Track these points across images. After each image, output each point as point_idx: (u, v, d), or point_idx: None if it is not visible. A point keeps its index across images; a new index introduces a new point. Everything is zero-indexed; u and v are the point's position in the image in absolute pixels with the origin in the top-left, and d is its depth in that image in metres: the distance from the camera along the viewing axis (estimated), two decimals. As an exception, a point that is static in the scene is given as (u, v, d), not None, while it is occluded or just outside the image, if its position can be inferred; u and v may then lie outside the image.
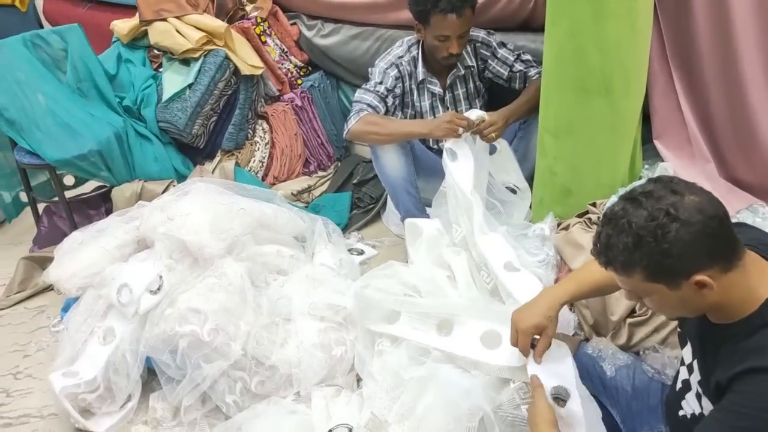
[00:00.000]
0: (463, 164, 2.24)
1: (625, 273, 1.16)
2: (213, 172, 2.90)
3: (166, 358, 1.93)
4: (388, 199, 2.78)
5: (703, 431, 1.14)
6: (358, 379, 1.95)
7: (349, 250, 2.60)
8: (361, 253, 2.66)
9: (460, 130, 2.27)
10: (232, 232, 2.12)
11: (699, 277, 1.10)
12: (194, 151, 3.01)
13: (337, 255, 2.38)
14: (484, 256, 1.99)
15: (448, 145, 2.28)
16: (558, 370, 1.48)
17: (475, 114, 2.34)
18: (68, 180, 2.98)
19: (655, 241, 1.09)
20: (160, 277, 2.04)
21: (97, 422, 1.97)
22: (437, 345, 1.79)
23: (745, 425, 1.08)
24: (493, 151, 2.46)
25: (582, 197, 2.13)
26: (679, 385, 1.43)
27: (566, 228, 2.09)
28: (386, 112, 2.51)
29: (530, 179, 2.38)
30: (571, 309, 1.96)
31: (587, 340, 1.88)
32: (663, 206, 1.09)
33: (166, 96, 2.86)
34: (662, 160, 2.20)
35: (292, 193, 2.97)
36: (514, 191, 2.50)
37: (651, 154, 2.24)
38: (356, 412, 1.76)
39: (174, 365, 1.93)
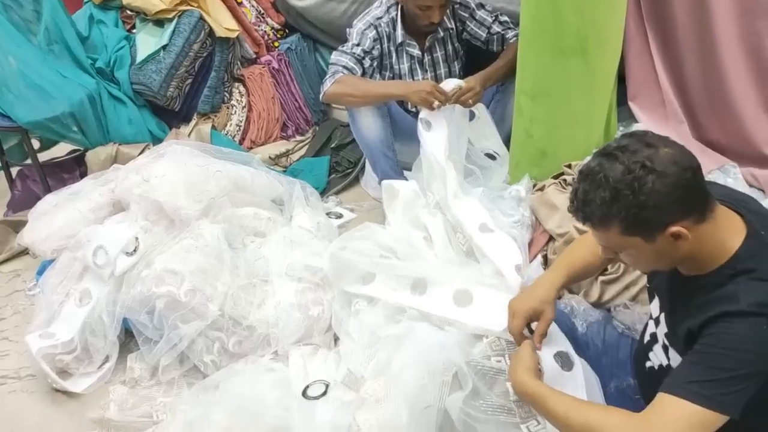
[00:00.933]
0: (437, 134, 2.25)
1: (603, 227, 1.18)
2: (189, 135, 2.88)
3: (143, 318, 1.94)
4: (367, 163, 2.78)
5: (678, 374, 1.16)
6: (335, 338, 1.98)
7: (327, 214, 2.61)
8: (340, 216, 2.66)
9: (436, 103, 2.27)
10: (209, 193, 2.12)
11: (674, 229, 1.12)
12: (169, 114, 2.97)
13: (315, 218, 2.38)
14: (458, 220, 2.01)
15: (422, 115, 2.29)
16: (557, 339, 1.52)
17: (452, 84, 2.34)
18: (34, 143, 2.92)
19: (632, 194, 1.10)
20: (136, 238, 2.04)
21: (75, 383, 1.98)
22: (412, 304, 1.82)
23: (718, 365, 1.10)
24: (472, 117, 2.46)
25: (557, 159, 2.14)
26: (646, 338, 1.47)
27: (541, 189, 2.11)
28: (363, 74, 2.49)
29: (507, 142, 2.40)
30: (544, 268, 1.99)
31: (560, 297, 1.92)
32: (639, 159, 1.11)
33: (139, 58, 2.82)
34: (637, 122, 2.22)
35: (269, 157, 2.96)
36: (493, 157, 2.52)
37: (626, 116, 2.27)
38: (333, 369, 1.78)
39: (151, 326, 1.94)
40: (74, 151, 2.85)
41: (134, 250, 2.03)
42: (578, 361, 1.51)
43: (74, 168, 2.87)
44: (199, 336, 1.93)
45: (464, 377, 1.55)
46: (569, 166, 2.11)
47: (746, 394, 1.10)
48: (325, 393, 1.68)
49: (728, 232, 1.18)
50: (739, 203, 1.24)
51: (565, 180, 2.08)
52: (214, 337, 1.95)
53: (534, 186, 2.16)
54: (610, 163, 1.13)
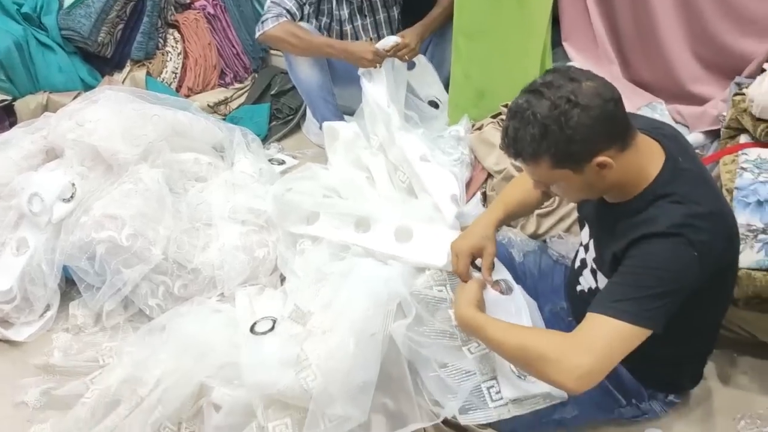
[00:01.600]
0: (378, 85, 2.27)
1: (534, 162, 1.23)
2: (123, 82, 2.80)
3: (84, 265, 1.91)
4: (308, 109, 2.77)
5: (605, 295, 1.24)
6: (282, 279, 2.00)
7: (270, 161, 2.59)
8: (282, 163, 2.65)
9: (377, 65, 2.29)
10: (146, 138, 2.08)
11: (600, 159, 1.18)
12: (102, 61, 2.89)
13: (257, 164, 2.37)
14: (402, 149, 2.03)
15: (362, 70, 2.30)
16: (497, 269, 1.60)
17: (390, 42, 2.33)
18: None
19: (559, 129, 1.15)
20: (73, 184, 2.00)
21: (16, 332, 1.96)
22: (356, 241, 1.85)
23: (641, 284, 1.18)
24: (411, 66, 2.48)
25: (495, 99, 2.19)
26: (577, 263, 1.55)
27: (480, 128, 2.16)
28: (301, 20, 2.47)
29: (447, 85, 2.42)
30: (484, 205, 2.05)
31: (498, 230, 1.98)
32: (564, 94, 1.15)
33: (67, 2, 2.73)
34: (570, 62, 2.28)
35: (208, 105, 2.91)
36: (436, 105, 2.54)
37: (560, 57, 2.32)
38: (280, 306, 1.81)
39: (93, 272, 1.92)
40: (2, 101, 2.74)
41: (71, 197, 1.99)
42: (517, 287, 1.59)
43: (3, 118, 2.75)
44: (143, 280, 1.92)
45: (408, 306, 1.60)
46: (506, 106, 2.16)
47: (668, 310, 1.19)
48: (272, 328, 1.71)
49: (648, 159, 1.25)
50: (657, 131, 1.32)
51: (502, 119, 2.13)
52: (159, 281, 1.94)
53: (473, 126, 2.21)
54: (536, 99, 1.17)
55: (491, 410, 1.44)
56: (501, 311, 1.48)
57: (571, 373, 1.16)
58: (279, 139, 2.85)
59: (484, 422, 1.45)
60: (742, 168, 1.67)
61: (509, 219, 1.65)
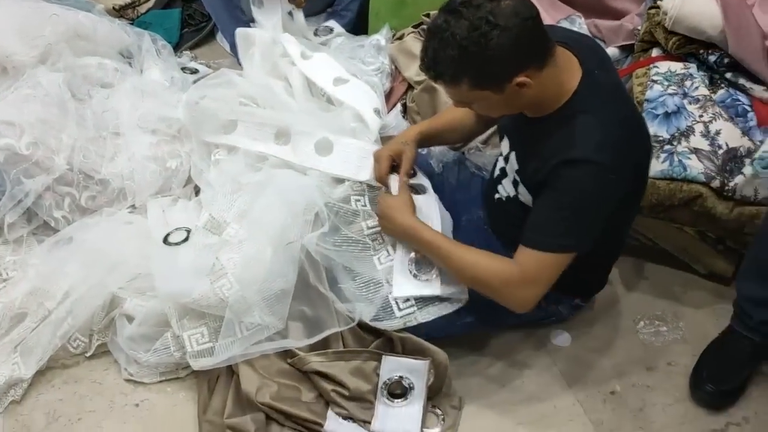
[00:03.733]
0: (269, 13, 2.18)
1: (454, 84, 1.22)
2: (17, -20, 2.56)
3: (-21, 175, 1.79)
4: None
5: (536, 227, 1.28)
6: (196, 192, 1.93)
7: (182, 69, 2.46)
8: (195, 71, 2.51)
9: None
10: (45, 39, 1.93)
11: (520, 79, 1.18)
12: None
13: (168, 72, 2.24)
14: (311, 80, 1.97)
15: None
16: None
17: None
18: None
19: (479, 51, 1.14)
20: (-38, 89, 1.84)
21: None
22: (275, 153, 1.80)
23: (566, 214, 1.24)
24: None
25: (416, 8, 2.15)
26: (496, 172, 1.57)
27: (400, 38, 2.11)
28: None
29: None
30: (404, 117, 2.04)
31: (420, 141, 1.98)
32: (482, 14, 1.13)
33: None
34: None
35: (114, 8, 2.70)
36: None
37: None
38: (194, 217, 1.76)
39: (-10, 182, 1.80)
40: None
41: (-39, 103, 1.83)
42: (434, 195, 1.61)
43: None
44: (46, 191, 1.81)
45: (324, 216, 1.59)
46: (428, 16, 2.12)
47: (595, 230, 1.27)
48: (186, 239, 1.67)
49: (567, 74, 1.26)
50: (575, 42, 1.32)
51: (424, 29, 2.09)
52: (64, 193, 1.84)
53: (393, 35, 2.16)
54: (455, 20, 1.15)
55: (397, 319, 1.48)
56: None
57: (519, 303, 1.33)
58: (191, 48, 2.70)
59: (391, 329, 1.49)
60: (653, 81, 1.71)
61: (435, 137, 1.65)
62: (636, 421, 1.52)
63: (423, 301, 1.48)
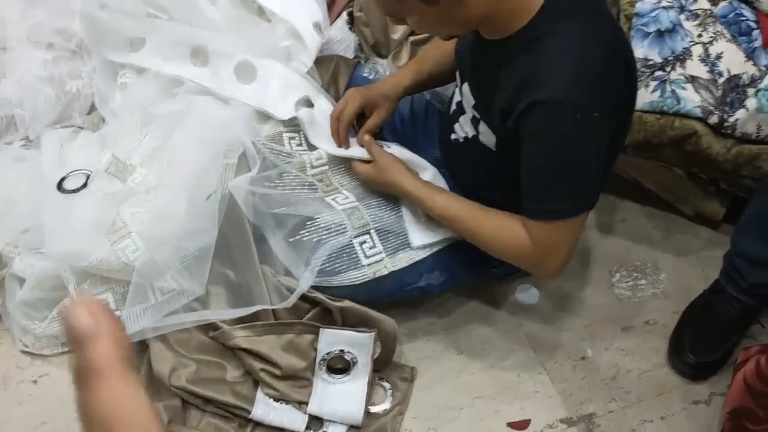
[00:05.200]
0: None
1: None
2: None
3: None
4: None
5: (533, 196, 1.07)
6: (102, 120, 1.62)
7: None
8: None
9: None
10: None
11: None
12: None
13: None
14: None
15: None
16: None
17: None
18: None
19: None
20: None
21: None
22: (191, 76, 1.49)
23: (559, 173, 1.03)
24: None
25: None
26: (453, 107, 1.31)
27: (346, -69, 1.76)
28: None
29: None
30: (350, 29, 1.73)
31: (367, 60, 1.69)
32: None
33: None
34: None
35: None
36: None
37: None
38: (96, 155, 1.46)
39: None
40: None
41: None
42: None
43: None
44: None
45: (253, 158, 1.33)
46: None
47: (598, 181, 1.08)
48: (85, 185, 1.39)
49: None
50: None
51: None
52: (-62, 123, 1.53)
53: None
54: None
55: (365, 268, 1.27)
56: None
57: (545, 274, 1.19)
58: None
59: (359, 282, 1.27)
60: (645, -11, 1.43)
61: (423, 83, 1.38)
62: (609, 391, 1.34)
63: (388, 247, 1.29)
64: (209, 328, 1.28)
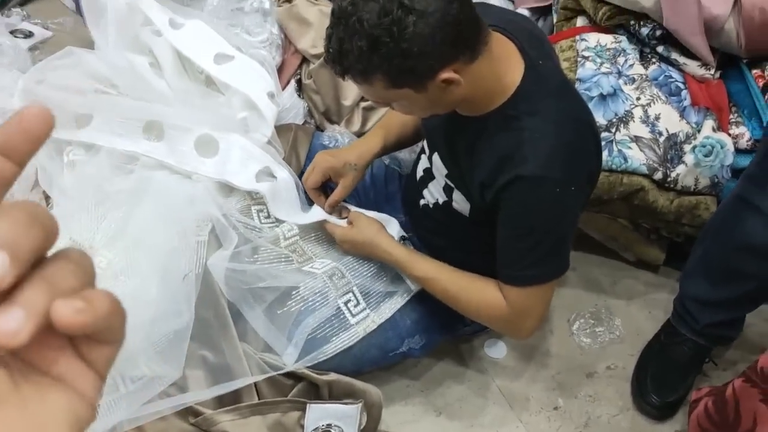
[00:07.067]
0: None
1: (366, 82, 0.99)
2: None
3: None
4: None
5: (510, 263, 1.12)
6: (46, 198, 1.55)
7: (12, 33, 2.01)
8: (30, 35, 2.07)
9: None
10: None
11: (445, 75, 0.96)
12: None
13: (-7, 39, 1.79)
14: (186, 57, 1.61)
15: None
16: None
17: None
18: None
19: (392, 41, 0.91)
20: None
21: None
22: (146, 152, 1.46)
23: (538, 243, 1.07)
24: None
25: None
26: (420, 173, 1.35)
27: (290, 1, 1.79)
28: None
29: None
30: (299, 95, 1.75)
31: (319, 129, 1.71)
32: None
33: None
34: None
35: None
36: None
37: None
38: (49, 239, 1.39)
39: None
40: None
41: None
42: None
43: None
44: None
45: (224, 232, 1.31)
46: (320, -28, 1.81)
47: (569, 248, 1.12)
48: (42, 272, 1.32)
49: (505, 65, 1.04)
50: (512, 25, 1.10)
51: (316, -11, 1.79)
52: None
53: (280, -4, 1.84)
54: (364, 2, 0.91)
55: (354, 327, 1.29)
56: None
57: (522, 334, 1.20)
58: (22, 3, 2.21)
59: (350, 344, 1.28)
60: (584, 57, 1.54)
61: (391, 143, 1.40)
62: (583, 438, 1.40)
63: (371, 301, 1.31)
64: (189, 414, 1.24)
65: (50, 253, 0.32)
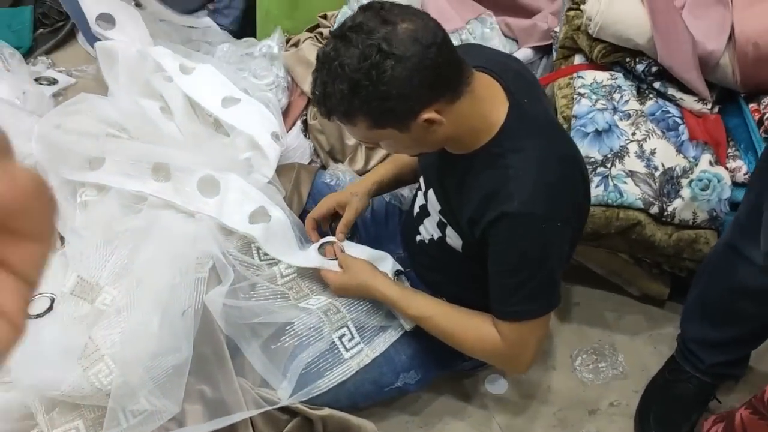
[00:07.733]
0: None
1: (349, 122, 1.03)
2: None
3: None
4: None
5: (501, 300, 1.14)
6: (61, 239, 1.61)
7: (37, 80, 2.10)
8: (54, 82, 2.16)
9: None
10: None
11: (426, 116, 1.00)
12: None
13: (19, 87, 1.88)
14: (194, 101, 1.68)
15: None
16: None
17: None
18: None
19: (371, 84, 0.95)
20: None
21: None
22: (154, 192, 1.52)
23: (526, 278, 1.09)
24: None
25: (311, 8, 1.90)
26: (416, 210, 1.38)
27: (296, 44, 1.86)
28: None
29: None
30: (305, 135, 1.80)
31: (324, 167, 1.75)
32: (375, 42, 0.94)
33: None
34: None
35: (-55, 8, 2.28)
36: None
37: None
38: (60, 277, 1.45)
39: None
40: None
41: None
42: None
43: None
44: None
45: (223, 269, 1.35)
46: (324, 17, 1.88)
47: (558, 280, 1.13)
48: (50, 308, 1.37)
49: (489, 106, 1.08)
50: (500, 67, 1.13)
51: (321, 33, 1.85)
52: None
53: (287, 41, 1.90)
54: (345, 47, 0.96)
55: (348, 362, 1.31)
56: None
57: (518, 369, 1.26)
58: (48, 52, 2.31)
59: (344, 378, 1.30)
60: (579, 94, 1.56)
61: (391, 179, 1.47)
62: (586, 477, 1.39)
63: (365, 335, 1.33)
64: (187, 448, 1.26)
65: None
